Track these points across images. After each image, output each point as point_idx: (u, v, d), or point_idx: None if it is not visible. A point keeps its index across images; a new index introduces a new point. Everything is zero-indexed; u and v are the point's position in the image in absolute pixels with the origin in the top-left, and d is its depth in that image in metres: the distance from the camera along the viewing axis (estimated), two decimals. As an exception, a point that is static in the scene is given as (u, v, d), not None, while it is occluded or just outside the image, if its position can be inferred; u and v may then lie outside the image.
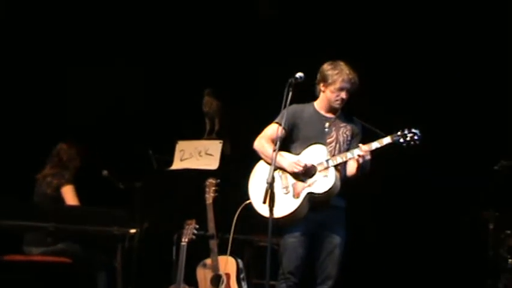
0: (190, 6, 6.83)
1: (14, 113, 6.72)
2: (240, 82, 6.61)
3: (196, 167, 6.30)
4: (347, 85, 4.67)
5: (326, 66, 4.73)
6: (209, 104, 6.50)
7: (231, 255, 5.42)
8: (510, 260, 5.35)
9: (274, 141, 4.66)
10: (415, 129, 4.57)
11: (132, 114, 6.69)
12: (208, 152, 6.35)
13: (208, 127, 6.53)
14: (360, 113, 4.85)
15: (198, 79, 6.72)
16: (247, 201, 4.75)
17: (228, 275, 5.33)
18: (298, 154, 4.69)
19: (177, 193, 6.29)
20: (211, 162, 6.28)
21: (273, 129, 4.75)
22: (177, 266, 5.35)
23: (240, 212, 5.06)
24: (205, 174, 5.80)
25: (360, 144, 4.62)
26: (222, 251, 5.39)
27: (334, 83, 4.67)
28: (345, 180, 4.70)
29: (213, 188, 5.51)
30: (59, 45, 6.83)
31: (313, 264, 4.70)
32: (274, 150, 4.41)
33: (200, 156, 6.37)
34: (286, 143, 4.72)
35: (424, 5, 6.26)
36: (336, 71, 4.67)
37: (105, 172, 6.03)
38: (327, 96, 4.73)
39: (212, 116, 6.51)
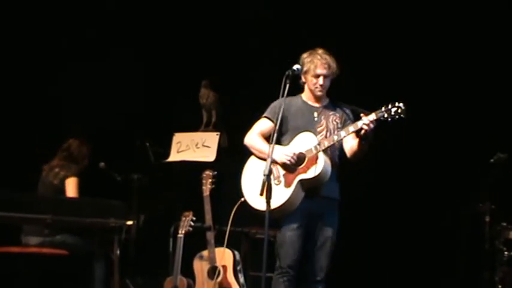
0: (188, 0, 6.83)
1: (11, 106, 6.72)
2: (237, 73, 6.61)
3: (193, 159, 6.30)
4: (322, 71, 4.65)
5: (303, 55, 4.71)
6: (206, 95, 6.49)
7: (227, 247, 5.43)
8: (506, 253, 5.36)
9: (264, 136, 4.68)
10: (399, 102, 4.49)
11: (129, 106, 6.68)
12: (205, 144, 6.35)
13: (205, 119, 6.52)
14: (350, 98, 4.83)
15: (195, 71, 6.71)
16: (242, 199, 4.73)
17: (224, 267, 5.34)
18: (287, 145, 4.68)
19: (174, 185, 6.30)
20: (208, 154, 6.28)
21: (263, 124, 4.76)
22: (174, 258, 5.35)
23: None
24: (202, 166, 5.80)
25: (363, 116, 4.51)
26: (219, 243, 5.39)
27: (310, 71, 4.66)
28: (340, 165, 4.69)
29: (210, 180, 5.51)
30: (58, 38, 6.84)
31: (304, 256, 4.66)
32: (270, 143, 4.40)
33: (197, 148, 6.36)
34: (276, 136, 4.66)
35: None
36: (310, 58, 4.66)
37: (102, 164, 6.03)
38: (309, 86, 4.73)
39: (209, 108, 6.50)
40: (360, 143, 4.58)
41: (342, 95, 4.82)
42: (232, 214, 5.11)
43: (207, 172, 5.55)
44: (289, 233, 4.62)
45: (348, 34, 6.31)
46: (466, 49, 6.17)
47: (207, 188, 5.49)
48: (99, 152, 6.14)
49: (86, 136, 6.00)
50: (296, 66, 4.53)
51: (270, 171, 4.32)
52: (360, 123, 4.51)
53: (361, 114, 4.54)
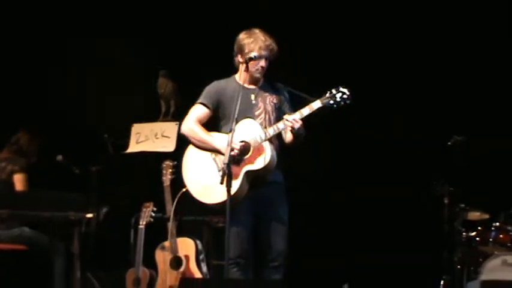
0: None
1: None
2: (195, 62, 6.57)
3: (153, 149, 6.27)
4: (265, 52, 4.55)
5: (241, 36, 4.61)
6: (164, 85, 6.45)
7: (189, 236, 5.42)
8: (465, 234, 5.46)
9: (201, 123, 4.60)
10: (343, 88, 4.47)
11: (86, 97, 6.60)
12: (164, 134, 6.32)
13: (163, 109, 6.48)
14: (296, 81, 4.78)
15: (152, 61, 6.65)
16: (184, 189, 4.68)
17: (187, 257, 5.33)
18: (229, 132, 4.46)
19: (133, 176, 6.26)
20: (168, 144, 6.24)
21: (199, 111, 4.65)
22: (136, 249, 5.33)
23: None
24: (161, 156, 5.77)
25: (286, 116, 4.49)
26: (181, 233, 5.38)
27: (251, 52, 4.54)
28: (281, 151, 4.60)
29: (170, 170, 5.48)
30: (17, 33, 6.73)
31: (260, 243, 4.61)
32: (230, 131, 4.33)
33: (156, 138, 6.33)
34: (214, 122, 4.61)
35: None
36: (251, 39, 4.55)
37: (59, 157, 5.95)
38: (249, 68, 4.56)
39: (167, 98, 6.46)
40: (293, 137, 4.53)
41: (282, 79, 4.75)
42: (174, 204, 5.10)
43: (167, 162, 5.53)
44: (236, 223, 4.47)
45: (290, 18, 6.30)
46: (423, 30, 6.22)
47: (167, 178, 5.47)
48: (56, 145, 6.06)
49: (38, 129, 5.89)
50: (253, 54, 4.50)
51: (230, 160, 4.30)
52: (286, 123, 4.44)
53: (285, 116, 4.46)
